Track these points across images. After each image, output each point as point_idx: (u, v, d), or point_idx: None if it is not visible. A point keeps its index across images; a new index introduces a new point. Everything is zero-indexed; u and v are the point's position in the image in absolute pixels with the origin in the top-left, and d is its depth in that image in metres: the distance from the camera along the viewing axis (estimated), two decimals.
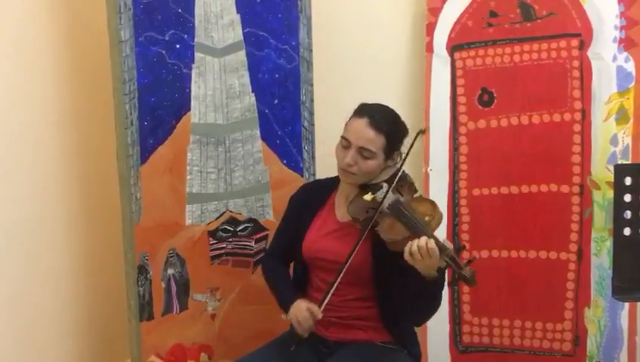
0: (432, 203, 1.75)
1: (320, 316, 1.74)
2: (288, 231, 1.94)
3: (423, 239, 1.59)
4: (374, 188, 1.76)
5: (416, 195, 1.79)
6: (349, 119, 1.79)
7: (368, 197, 1.74)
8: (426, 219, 1.67)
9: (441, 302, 1.74)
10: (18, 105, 2.07)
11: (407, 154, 1.77)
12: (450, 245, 1.63)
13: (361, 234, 1.72)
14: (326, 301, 1.74)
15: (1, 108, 1.99)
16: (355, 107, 1.82)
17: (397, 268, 1.65)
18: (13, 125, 2.05)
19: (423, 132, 1.80)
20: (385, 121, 1.75)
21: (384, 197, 1.72)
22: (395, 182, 1.74)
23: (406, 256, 1.61)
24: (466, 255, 2.15)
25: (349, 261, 1.71)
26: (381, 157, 1.76)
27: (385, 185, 1.75)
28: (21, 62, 2.07)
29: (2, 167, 2.00)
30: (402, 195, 1.75)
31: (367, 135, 1.73)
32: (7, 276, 2.03)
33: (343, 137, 1.78)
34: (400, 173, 1.76)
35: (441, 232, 2.32)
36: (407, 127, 1.83)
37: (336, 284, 1.73)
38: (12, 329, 2.06)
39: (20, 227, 2.07)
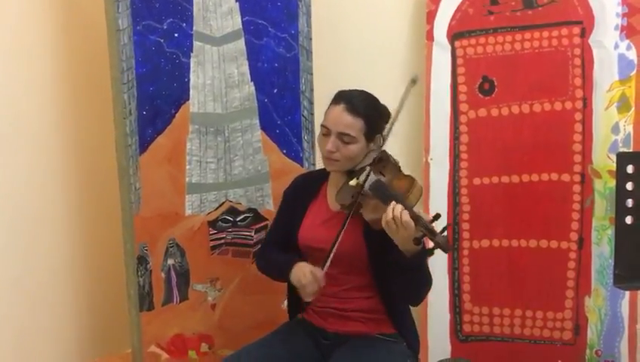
0: (411, 178, 1.76)
1: (323, 280, 1.73)
2: (282, 226, 1.94)
3: (399, 207, 1.61)
4: (359, 172, 1.77)
5: (399, 174, 1.80)
6: (328, 107, 1.80)
7: (353, 182, 1.75)
8: (404, 193, 1.69)
9: (432, 277, 1.76)
10: (16, 96, 2.06)
11: (399, 110, 1.76)
12: (425, 215, 1.64)
13: (346, 218, 1.72)
14: (327, 264, 1.73)
15: None
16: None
17: (390, 251, 1.66)
18: (12, 116, 2.04)
19: (415, 82, 1.79)
20: (362, 105, 1.76)
21: (365, 179, 1.73)
22: (376, 163, 1.75)
23: (383, 224, 1.62)
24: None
25: (338, 241, 1.72)
26: (362, 141, 1.76)
27: (368, 168, 1.76)
28: (18, 52, 2.06)
29: (1, 157, 1.99)
30: (384, 175, 1.77)
31: (344, 120, 1.74)
32: (7, 267, 2.03)
33: (322, 125, 1.79)
34: (381, 154, 1.77)
35: (442, 221, 2.31)
36: (390, 111, 1.82)
37: (333, 251, 1.72)
38: (12, 320, 2.07)
39: (19, 218, 2.07)
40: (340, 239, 1.72)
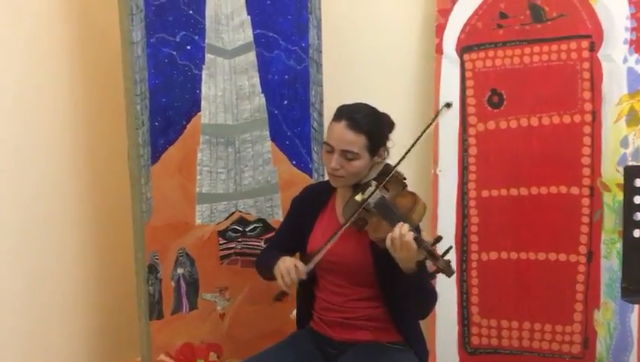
0: (414, 196, 1.76)
1: (304, 273, 1.74)
2: (288, 232, 1.95)
3: (405, 228, 1.61)
4: (364, 187, 1.77)
5: (403, 190, 1.80)
6: (330, 124, 1.80)
7: (358, 197, 1.76)
8: (407, 213, 1.69)
9: (436, 293, 1.76)
10: (30, 106, 2.09)
11: (428, 127, 1.77)
12: (427, 238, 1.64)
13: (340, 228, 1.74)
14: (314, 261, 1.75)
15: (13, 110, 2.02)
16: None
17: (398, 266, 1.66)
18: (26, 126, 2.07)
19: (449, 106, 1.79)
20: (364, 121, 1.76)
21: (369, 196, 1.73)
22: (380, 178, 1.76)
23: (388, 243, 1.63)
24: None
25: (327, 246, 1.74)
26: (366, 156, 1.77)
27: (373, 183, 1.77)
28: (33, 64, 2.10)
29: (14, 167, 2.03)
30: (389, 191, 1.77)
31: (347, 137, 1.74)
32: (18, 275, 2.06)
33: (325, 142, 1.80)
34: (386, 169, 1.78)
35: (450, 234, 2.32)
36: (393, 120, 1.83)
37: (321, 253, 1.74)
38: (23, 328, 2.09)
39: (30, 226, 2.10)
40: (329, 245, 1.74)
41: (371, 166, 1.80)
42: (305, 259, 1.82)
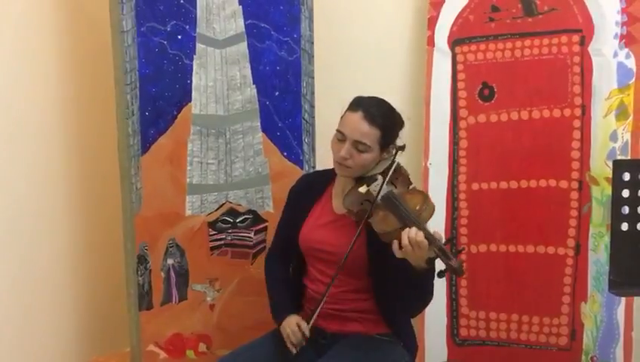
0: (425, 194, 1.76)
1: (307, 333, 1.77)
2: (288, 224, 1.95)
3: (414, 230, 1.61)
4: (369, 180, 1.77)
5: (410, 187, 1.80)
6: (345, 112, 1.80)
7: (363, 189, 1.75)
8: (418, 210, 1.68)
9: (434, 293, 1.76)
10: (19, 96, 2.08)
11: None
12: (440, 236, 1.64)
13: (358, 227, 1.73)
14: (315, 315, 1.77)
15: (2, 99, 2.00)
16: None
17: (392, 259, 1.66)
18: (15, 115, 2.06)
19: (402, 149, 1.80)
20: (380, 115, 1.76)
21: (379, 189, 1.73)
22: (389, 175, 1.75)
23: (395, 248, 1.63)
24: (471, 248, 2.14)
25: (346, 259, 1.73)
26: (376, 150, 1.77)
27: (380, 177, 1.76)
28: (23, 53, 2.08)
29: (3, 156, 2.01)
30: (396, 187, 1.77)
31: (362, 128, 1.74)
32: (8, 265, 2.05)
33: (338, 130, 1.79)
34: (394, 165, 1.77)
35: (440, 226, 2.33)
36: (403, 118, 1.83)
37: (327, 292, 1.76)
38: (12, 318, 2.08)
39: (20, 217, 2.09)
40: (347, 258, 1.73)
41: (378, 161, 1.80)
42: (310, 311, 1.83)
